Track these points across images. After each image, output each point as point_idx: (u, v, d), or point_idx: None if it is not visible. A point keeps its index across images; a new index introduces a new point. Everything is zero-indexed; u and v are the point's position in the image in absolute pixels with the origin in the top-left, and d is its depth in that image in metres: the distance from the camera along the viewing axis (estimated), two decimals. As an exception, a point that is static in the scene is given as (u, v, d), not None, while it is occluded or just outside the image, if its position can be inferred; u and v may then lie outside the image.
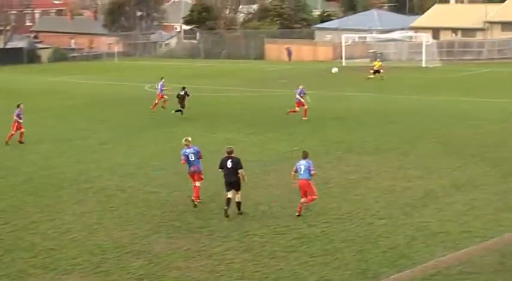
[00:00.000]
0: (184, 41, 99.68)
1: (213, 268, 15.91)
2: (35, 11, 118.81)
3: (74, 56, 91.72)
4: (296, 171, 19.58)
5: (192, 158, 20.79)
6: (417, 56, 70.01)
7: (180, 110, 37.09)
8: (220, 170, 19.75)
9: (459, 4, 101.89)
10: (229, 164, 19.45)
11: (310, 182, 19.49)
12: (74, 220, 19.64)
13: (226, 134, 31.80)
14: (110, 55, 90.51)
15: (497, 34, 78.77)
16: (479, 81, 53.43)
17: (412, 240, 17.36)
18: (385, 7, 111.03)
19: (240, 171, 19.45)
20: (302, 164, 19.49)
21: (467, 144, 28.80)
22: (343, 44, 73.08)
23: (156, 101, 39.59)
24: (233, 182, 19.42)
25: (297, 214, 19.33)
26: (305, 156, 19.69)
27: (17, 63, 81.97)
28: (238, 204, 19.58)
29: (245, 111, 39.35)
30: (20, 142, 30.98)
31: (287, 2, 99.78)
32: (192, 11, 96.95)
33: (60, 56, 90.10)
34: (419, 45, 70.49)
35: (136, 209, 20.50)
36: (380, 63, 56.93)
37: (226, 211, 19.31)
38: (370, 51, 76.93)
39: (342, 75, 59.29)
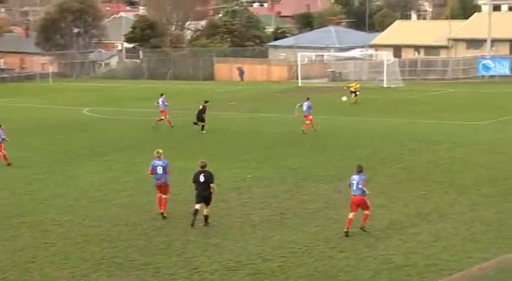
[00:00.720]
0: (126, 60, 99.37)
1: (160, 309, 15.80)
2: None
3: (3, 77, 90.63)
4: (350, 185, 20.81)
5: (160, 171, 22.51)
6: (378, 76, 70.89)
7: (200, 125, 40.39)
8: (194, 184, 21.17)
9: (421, 20, 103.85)
10: (201, 178, 20.76)
11: (364, 198, 20.55)
12: (5, 259, 19.36)
13: (173, 162, 31.63)
14: (44, 76, 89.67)
15: (462, 52, 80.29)
16: (444, 102, 54.33)
17: (376, 274, 17.51)
18: (343, 23, 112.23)
19: (212, 185, 20.97)
20: (354, 179, 20.62)
21: (433, 170, 29.23)
22: (299, 63, 73.64)
23: (162, 117, 42.61)
24: (205, 196, 20.93)
25: (345, 230, 20.30)
26: (359, 170, 20.71)
27: None
28: (206, 217, 21.14)
29: (191, 136, 39.25)
30: None
31: (238, 18, 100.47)
32: (134, 27, 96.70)
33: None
34: (380, 64, 71.39)
35: (75, 245, 20.29)
36: (357, 84, 56.53)
37: (193, 221, 20.96)
38: (329, 70, 77.68)
39: (297, 96, 59.72)
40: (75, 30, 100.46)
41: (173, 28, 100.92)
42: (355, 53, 79.90)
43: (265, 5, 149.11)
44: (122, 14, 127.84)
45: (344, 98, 53.00)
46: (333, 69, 77.59)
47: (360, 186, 20.52)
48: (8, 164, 31.92)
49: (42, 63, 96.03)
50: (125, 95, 66.60)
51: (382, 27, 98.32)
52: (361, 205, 20.55)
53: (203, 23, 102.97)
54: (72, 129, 44.01)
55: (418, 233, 20.63)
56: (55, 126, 45.50)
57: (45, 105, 55.81)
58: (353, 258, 18.66)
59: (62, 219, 23.07)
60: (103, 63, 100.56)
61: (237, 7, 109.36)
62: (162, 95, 43.49)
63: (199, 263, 18.54)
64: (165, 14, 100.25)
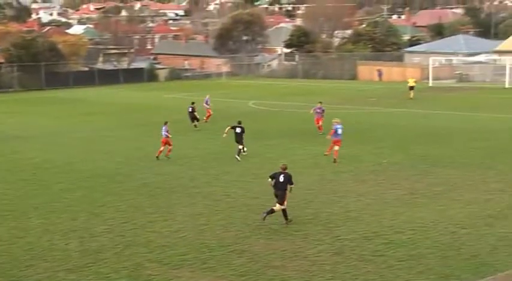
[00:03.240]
0: (285, 62, 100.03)
1: (307, 268, 15.85)
2: (155, 36, 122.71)
3: (187, 76, 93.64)
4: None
5: (339, 132, 27.79)
6: (501, 78, 67.77)
7: (195, 123, 39.68)
8: (270, 180, 19.49)
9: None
10: (281, 178, 19.17)
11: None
12: (184, 221, 20.01)
13: (320, 148, 31.66)
14: (218, 75, 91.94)
15: None
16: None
17: (494, 249, 16.78)
18: (471, 32, 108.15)
19: (290, 186, 19.25)
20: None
21: (549, 160, 27.60)
22: (431, 66, 71.55)
23: (208, 114, 42.66)
24: (280, 194, 19.17)
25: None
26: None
27: (139, 81, 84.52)
28: (272, 211, 19.13)
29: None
30: (167, 157, 29.88)
31: (379, 28, 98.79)
32: (292, 35, 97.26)
33: (175, 75, 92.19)
34: (503, 67, 68.16)
35: (239, 213, 20.69)
36: (414, 79, 55.73)
37: (266, 215, 19.09)
38: (456, 72, 75.06)
39: (428, 94, 58.16)
40: (244, 38, 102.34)
41: (324, 36, 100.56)
42: (481, 57, 76.75)
43: (403, 16, 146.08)
44: (282, 24, 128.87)
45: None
46: (460, 72, 74.83)
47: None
48: (167, 157, 30.02)
49: (218, 64, 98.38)
50: (283, 91, 67.07)
51: (506, 35, 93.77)
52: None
53: (349, 31, 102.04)
54: (240, 117, 44.72)
55: (533, 216, 19.56)
56: (225, 116, 46.50)
57: (219, 98, 57.07)
58: (474, 234, 17.96)
59: (229, 191, 23.59)
60: (265, 65, 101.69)
61: (378, 18, 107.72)
62: (208, 95, 44.44)
63: (340, 232, 18.44)
64: (318, 24, 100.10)
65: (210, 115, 42.92)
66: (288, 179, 19.22)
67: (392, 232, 18.30)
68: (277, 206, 19.21)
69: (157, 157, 29.93)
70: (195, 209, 21.34)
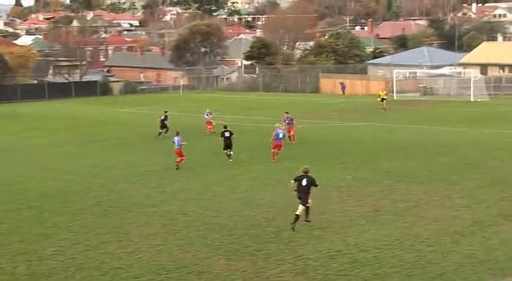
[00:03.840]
0: (245, 75, 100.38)
1: (268, 290, 15.79)
2: (108, 48, 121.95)
3: (142, 89, 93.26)
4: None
5: (280, 136, 32.11)
6: (466, 91, 68.94)
7: (163, 131, 42.29)
8: (293, 181, 20.92)
9: (506, 42, 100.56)
10: (304, 182, 20.60)
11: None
12: (139, 241, 19.81)
13: (281, 163, 31.73)
14: (176, 88, 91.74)
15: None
16: (526, 115, 52.27)
17: (460, 267, 16.97)
18: (435, 44, 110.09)
19: (314, 188, 20.82)
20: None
21: (515, 175, 28.11)
22: (394, 79, 72.53)
23: (209, 127, 44.26)
24: (302, 197, 20.56)
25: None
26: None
27: (91, 95, 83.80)
28: (297, 217, 20.36)
29: (299, 141, 39.21)
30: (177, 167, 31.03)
31: (341, 39, 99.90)
32: (252, 47, 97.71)
33: (130, 88, 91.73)
34: (468, 80, 69.44)
35: (197, 232, 20.56)
36: (385, 91, 60.50)
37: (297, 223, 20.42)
38: (421, 85, 76.18)
39: (392, 108, 58.88)
40: (203, 49, 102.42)
41: (285, 48, 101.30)
42: (445, 70, 78.11)
43: (366, 28, 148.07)
44: (242, 35, 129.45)
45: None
46: (424, 85, 75.97)
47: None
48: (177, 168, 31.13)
49: (175, 77, 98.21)
50: (243, 105, 67.20)
51: (470, 48, 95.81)
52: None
53: (311, 43, 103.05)
54: (197, 133, 44.73)
55: (500, 232, 19.87)
56: (182, 130, 46.25)
57: (176, 112, 56.84)
58: (440, 252, 18.16)
59: (187, 209, 23.45)
60: (225, 78, 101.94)
61: (340, 30, 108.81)
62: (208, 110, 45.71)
63: (303, 251, 18.46)
64: (278, 35, 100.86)
65: (212, 127, 44.12)
66: (311, 182, 20.69)
67: (357, 251, 18.39)
68: (300, 209, 20.47)
69: (177, 167, 30.84)
70: (150, 228, 21.14)
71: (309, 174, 20.73)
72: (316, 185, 20.78)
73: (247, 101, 73.27)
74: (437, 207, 22.94)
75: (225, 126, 33.37)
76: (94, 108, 67.80)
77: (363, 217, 21.93)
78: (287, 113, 39.80)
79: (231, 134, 32.68)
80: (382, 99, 58.50)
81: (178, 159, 31.33)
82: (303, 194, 20.50)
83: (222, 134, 32.68)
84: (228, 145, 32.31)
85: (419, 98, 70.00)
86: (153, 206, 24.12)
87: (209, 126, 44.35)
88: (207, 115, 45.24)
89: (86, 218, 22.67)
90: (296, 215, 20.34)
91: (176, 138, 31.39)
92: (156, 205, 24.19)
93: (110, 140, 42.64)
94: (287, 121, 38.63)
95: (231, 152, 32.40)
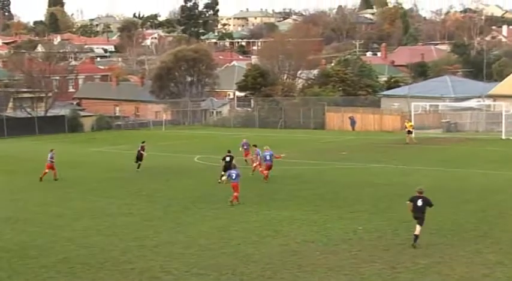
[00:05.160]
0: (238, 108, 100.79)
1: None
2: (78, 77, 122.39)
3: (118, 125, 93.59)
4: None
5: (267, 158, 40.63)
6: (496, 127, 69.27)
7: (138, 163, 46.98)
8: (408, 202, 25.35)
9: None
10: (419, 202, 24.86)
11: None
12: (113, 305, 19.64)
13: (280, 212, 31.72)
14: (157, 123, 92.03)
15: None
16: None
17: None
18: (459, 73, 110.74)
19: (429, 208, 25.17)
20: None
21: (555, 226, 28.08)
22: (413, 113, 72.80)
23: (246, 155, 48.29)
24: (419, 217, 24.84)
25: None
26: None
27: (58, 132, 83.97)
28: (416, 236, 24.66)
29: (301, 187, 39.24)
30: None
31: (351, 67, 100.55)
32: (246, 76, 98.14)
33: (104, 124, 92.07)
34: (499, 115, 69.78)
35: (182, 294, 20.41)
36: (411, 122, 63.36)
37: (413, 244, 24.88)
38: (443, 121, 76.52)
39: (410, 147, 59.05)
40: (189, 78, 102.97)
41: (285, 77, 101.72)
42: (472, 103, 78.48)
43: (379, 54, 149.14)
44: (235, 62, 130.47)
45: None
46: (448, 120, 76.37)
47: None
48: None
49: (156, 111, 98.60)
50: (236, 144, 67.28)
51: (500, 76, 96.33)
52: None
53: (315, 71, 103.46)
54: (183, 176, 44.73)
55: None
56: (166, 173, 46.36)
57: (157, 152, 56.98)
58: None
59: (170, 266, 23.32)
60: (215, 112, 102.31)
61: (349, 56, 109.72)
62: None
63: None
64: (277, 63, 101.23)
65: (248, 155, 47.79)
66: (427, 202, 24.93)
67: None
68: (417, 229, 24.72)
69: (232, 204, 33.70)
70: (127, 289, 20.99)
71: (423, 194, 24.87)
72: (431, 205, 24.86)
73: (242, 139, 73.26)
74: (464, 264, 22.85)
75: (229, 151, 41.07)
76: (61, 148, 67.68)
77: (378, 275, 21.83)
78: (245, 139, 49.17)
79: (231, 158, 39.45)
80: (409, 132, 59.66)
81: (235, 194, 34.03)
82: (419, 213, 24.67)
83: (224, 159, 40.16)
84: (227, 168, 37.79)
85: (442, 135, 70.28)
86: (130, 262, 23.99)
87: (249, 157, 47.28)
88: (243, 147, 48.40)
89: (50, 277, 22.51)
90: (415, 235, 24.50)
91: (234, 172, 34.43)
92: (133, 261, 24.06)
93: (80, 185, 42.56)
94: (245, 147, 47.86)
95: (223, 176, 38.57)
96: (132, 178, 44.65)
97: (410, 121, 64.74)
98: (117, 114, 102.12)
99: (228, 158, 39.87)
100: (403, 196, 35.39)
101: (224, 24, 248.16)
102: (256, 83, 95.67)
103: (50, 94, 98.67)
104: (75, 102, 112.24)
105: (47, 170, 43.73)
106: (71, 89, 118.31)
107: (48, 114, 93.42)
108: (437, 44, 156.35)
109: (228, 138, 74.41)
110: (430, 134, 70.58)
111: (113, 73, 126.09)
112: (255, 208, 32.83)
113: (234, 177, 34.51)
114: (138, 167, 46.85)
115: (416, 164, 48.34)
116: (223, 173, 38.90)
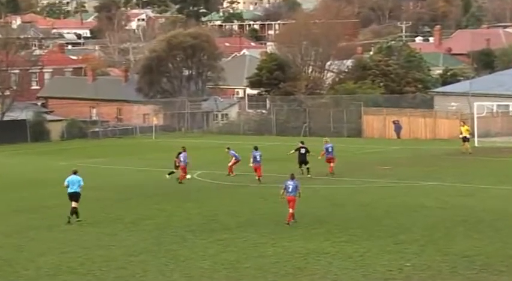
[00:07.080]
0: (249, 110, 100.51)
1: None
2: (44, 70, 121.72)
3: (95, 132, 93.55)
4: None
5: (258, 158, 49.44)
6: None
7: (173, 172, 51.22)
8: None
9: None
10: None
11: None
12: None
13: (305, 243, 31.70)
14: (146, 130, 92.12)
15: None
16: None
17: None
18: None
19: None
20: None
21: None
22: (475, 116, 72.47)
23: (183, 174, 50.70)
24: None
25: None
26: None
27: (18, 141, 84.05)
28: None
29: (332, 210, 39.23)
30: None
31: (395, 57, 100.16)
32: (260, 69, 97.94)
33: (77, 131, 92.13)
34: None
35: None
36: (467, 126, 62.29)
37: None
38: (515, 125, 76.32)
39: (472, 159, 58.88)
40: (186, 72, 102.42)
41: (310, 70, 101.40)
42: (553, 103, 78.23)
43: (431, 39, 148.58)
44: (245, 51, 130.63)
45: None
46: (521, 124, 76.21)
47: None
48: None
49: (144, 114, 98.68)
50: (245, 156, 67.32)
51: None
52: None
53: (349, 62, 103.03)
54: (177, 198, 44.73)
55: None
56: (156, 194, 46.39)
57: (145, 167, 57.14)
58: None
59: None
60: (220, 115, 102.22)
61: (393, 42, 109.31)
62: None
63: None
64: (300, 51, 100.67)
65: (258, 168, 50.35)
66: None
67: None
68: None
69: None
70: None
71: None
72: None
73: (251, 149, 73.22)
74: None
75: (302, 142, 50.20)
76: (22, 161, 68.00)
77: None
78: (228, 148, 54.83)
79: (307, 150, 48.56)
80: (465, 139, 58.67)
81: (290, 211, 35.28)
82: None
83: (298, 149, 49.78)
84: (303, 161, 48.21)
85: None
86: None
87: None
88: (255, 160, 50.15)
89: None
90: None
91: (290, 184, 35.39)
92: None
93: (46, 209, 42.61)
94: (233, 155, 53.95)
95: (308, 167, 49.14)
96: (113, 199, 44.71)
97: (467, 124, 63.83)
98: (93, 118, 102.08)
99: (303, 150, 48.53)
100: (464, 223, 35.41)
101: (232, 2, 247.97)
102: (272, 77, 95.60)
103: (7, 92, 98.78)
104: (39, 103, 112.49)
105: (183, 174, 50.46)
106: (34, 86, 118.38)
107: (5, 118, 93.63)
108: (506, 26, 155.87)
109: (237, 148, 74.39)
110: (498, 142, 70.30)
111: (88, 65, 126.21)
112: (272, 238, 32.77)
113: (290, 189, 35.02)
114: (169, 174, 51.47)
115: (479, 181, 48.20)
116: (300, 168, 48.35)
